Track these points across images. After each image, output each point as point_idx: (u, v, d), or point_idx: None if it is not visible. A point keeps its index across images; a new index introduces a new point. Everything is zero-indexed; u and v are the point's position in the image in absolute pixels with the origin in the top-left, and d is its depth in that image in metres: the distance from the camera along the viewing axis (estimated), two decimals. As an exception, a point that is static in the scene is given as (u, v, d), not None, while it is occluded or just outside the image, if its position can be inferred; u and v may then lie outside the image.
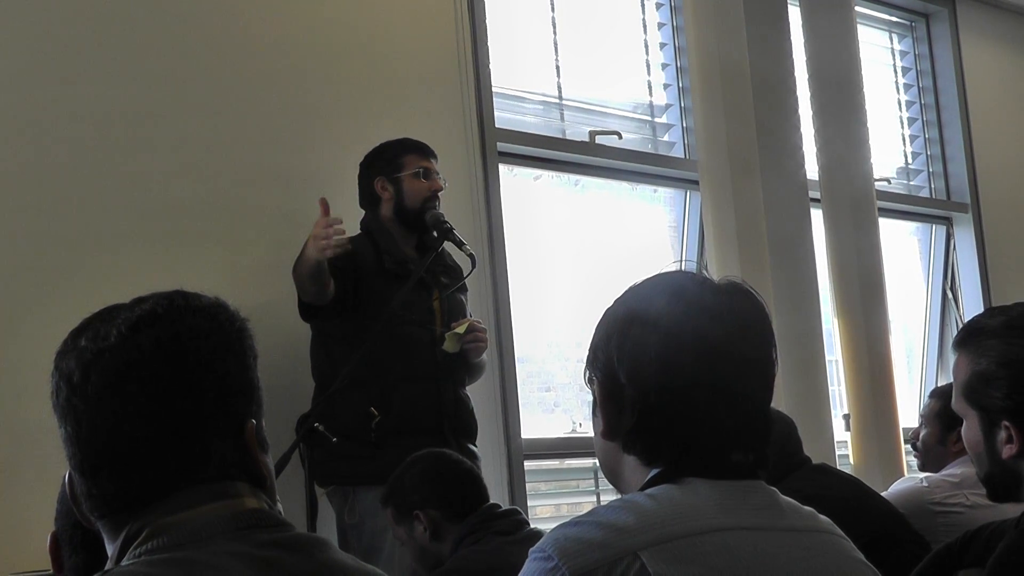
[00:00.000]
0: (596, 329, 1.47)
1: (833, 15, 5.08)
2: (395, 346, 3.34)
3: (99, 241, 3.33)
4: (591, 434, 1.51)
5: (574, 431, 4.49)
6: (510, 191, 4.35)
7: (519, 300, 4.23)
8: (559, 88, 4.66)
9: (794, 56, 4.95)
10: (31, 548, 2.12)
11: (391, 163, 3.50)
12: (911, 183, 5.97)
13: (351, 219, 3.48)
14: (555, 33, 4.67)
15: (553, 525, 1.37)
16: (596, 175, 4.77)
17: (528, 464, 4.15)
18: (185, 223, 3.48)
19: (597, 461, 1.53)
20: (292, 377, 3.39)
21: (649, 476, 1.40)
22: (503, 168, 4.32)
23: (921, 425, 3.64)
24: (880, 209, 5.16)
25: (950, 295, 5.96)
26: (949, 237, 6.01)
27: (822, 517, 1.47)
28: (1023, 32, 6.44)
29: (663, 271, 1.49)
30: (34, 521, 2.13)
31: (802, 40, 5.08)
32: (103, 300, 1.31)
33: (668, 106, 4.98)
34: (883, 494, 3.44)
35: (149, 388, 1.20)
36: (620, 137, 4.71)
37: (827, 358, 4.81)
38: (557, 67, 4.66)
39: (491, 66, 4.29)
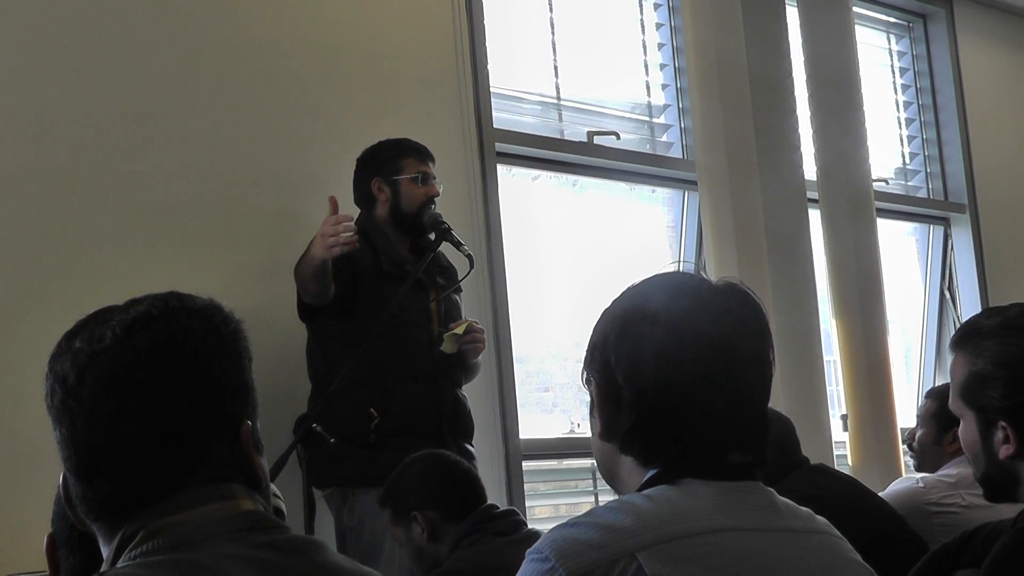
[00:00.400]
0: (594, 329, 1.47)
1: (831, 15, 5.08)
2: (393, 347, 3.33)
3: (97, 241, 3.33)
4: (589, 434, 1.51)
5: (572, 431, 4.49)
6: (508, 191, 4.35)
7: (517, 300, 4.23)
8: (557, 88, 4.66)
9: (792, 56, 4.96)
10: (29, 549, 2.12)
11: (389, 164, 3.49)
12: (909, 183, 5.97)
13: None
14: (553, 33, 4.67)
15: (551, 526, 1.37)
16: (594, 175, 4.77)
17: (526, 464, 4.15)
18: (183, 223, 3.48)
19: (595, 461, 1.53)
20: (289, 378, 3.39)
21: (646, 477, 1.40)
22: (501, 168, 4.32)
23: (917, 425, 3.64)
24: (878, 209, 5.17)
25: (947, 295, 5.96)
26: (946, 237, 6.02)
27: (819, 518, 1.47)
28: (1020, 33, 6.44)
29: (661, 272, 1.49)
30: (32, 522, 2.13)
31: (800, 40, 5.08)
32: (101, 301, 1.31)
33: (666, 106, 4.99)
34: (880, 494, 3.44)
35: (144, 390, 1.19)
36: (618, 137, 4.71)
37: (825, 358, 4.82)
38: (555, 67, 4.66)
39: (489, 66, 4.29)
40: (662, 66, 5.00)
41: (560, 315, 4.61)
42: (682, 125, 4.95)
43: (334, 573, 1.21)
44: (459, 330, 3.36)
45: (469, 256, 3.42)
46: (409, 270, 3.40)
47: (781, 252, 4.71)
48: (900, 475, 4.59)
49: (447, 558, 2.87)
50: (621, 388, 1.41)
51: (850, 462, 4.82)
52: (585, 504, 4.46)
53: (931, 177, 6.03)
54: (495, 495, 3.65)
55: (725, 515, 1.35)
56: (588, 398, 1.48)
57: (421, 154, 3.53)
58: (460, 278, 3.52)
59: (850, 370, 4.88)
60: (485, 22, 4.30)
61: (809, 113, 5.03)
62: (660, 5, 5.03)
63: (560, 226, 4.68)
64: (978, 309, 5.45)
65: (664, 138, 4.97)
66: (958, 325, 4.18)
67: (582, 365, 1.48)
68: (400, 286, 3.34)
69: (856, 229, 4.97)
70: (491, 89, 4.29)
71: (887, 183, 5.71)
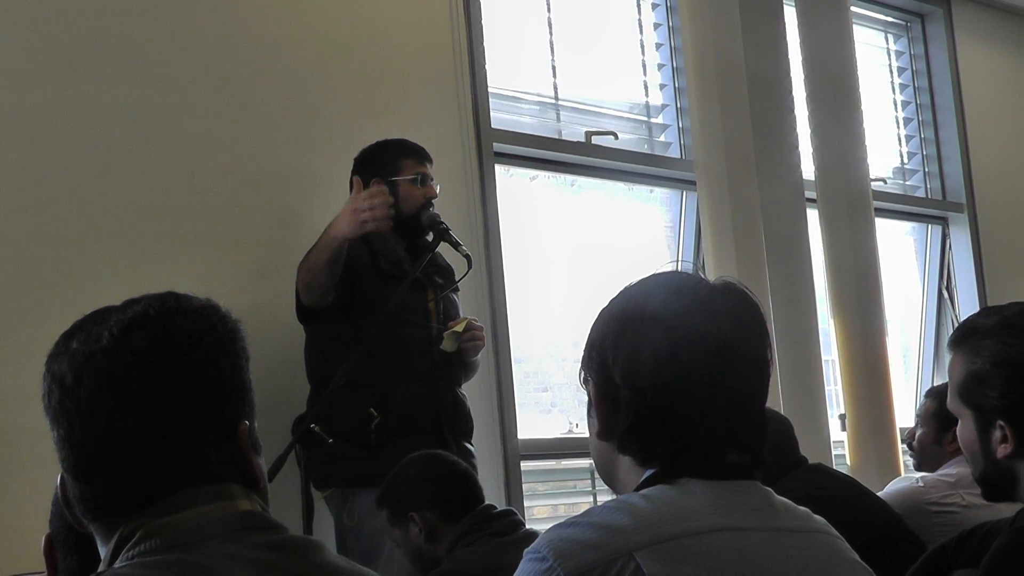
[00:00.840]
0: (591, 329, 1.47)
1: (829, 15, 5.08)
2: (393, 347, 3.33)
3: (95, 241, 3.33)
4: (587, 435, 1.51)
5: (570, 431, 4.49)
6: (506, 191, 4.35)
7: (515, 301, 4.23)
8: (555, 88, 4.66)
9: (790, 56, 4.96)
10: (27, 550, 2.12)
11: (388, 165, 3.49)
12: (907, 183, 5.97)
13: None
14: (551, 33, 4.67)
15: (549, 526, 1.37)
16: (592, 175, 4.76)
17: (525, 464, 4.15)
18: (181, 223, 3.48)
19: (593, 461, 1.53)
20: (287, 379, 3.39)
21: (644, 476, 1.40)
22: (499, 168, 4.32)
23: (917, 425, 3.65)
24: (876, 209, 5.17)
25: (946, 295, 5.96)
26: (945, 237, 6.02)
27: (817, 517, 1.47)
28: (1018, 32, 6.45)
29: (659, 271, 1.49)
30: (30, 523, 2.13)
31: (798, 40, 5.08)
32: (99, 300, 1.31)
33: (664, 106, 4.98)
34: (879, 494, 3.44)
35: (141, 390, 1.19)
36: (616, 137, 4.71)
37: (823, 358, 4.82)
38: (553, 67, 4.65)
39: (487, 66, 4.28)
40: (660, 66, 5.00)
41: (558, 315, 4.61)
42: (680, 125, 4.95)
43: (332, 573, 1.21)
44: (459, 328, 3.36)
45: (467, 256, 3.42)
46: (407, 270, 3.40)
47: (780, 252, 4.71)
48: (899, 475, 4.59)
49: (445, 558, 2.87)
50: (619, 388, 1.41)
51: (848, 462, 4.82)
52: (583, 504, 4.46)
53: (929, 177, 6.03)
54: (493, 495, 3.65)
55: (723, 515, 1.35)
56: (586, 398, 1.48)
57: (419, 155, 3.52)
58: (458, 278, 3.51)
59: (848, 370, 4.89)
60: (483, 22, 4.30)
61: (807, 113, 5.04)
62: (658, 5, 5.03)
63: (558, 226, 4.68)
64: (976, 308, 5.44)
65: (662, 138, 4.97)
66: (956, 325, 4.18)
67: (580, 365, 1.48)
68: (398, 286, 3.34)
69: (854, 229, 4.97)
70: (489, 89, 4.29)
71: (885, 183, 5.71)
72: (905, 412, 5.09)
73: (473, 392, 3.65)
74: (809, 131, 5.03)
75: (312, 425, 3.22)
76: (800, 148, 4.89)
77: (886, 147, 5.91)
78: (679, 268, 1.63)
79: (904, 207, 5.85)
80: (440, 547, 2.90)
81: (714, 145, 4.71)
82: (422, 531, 2.92)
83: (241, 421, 1.24)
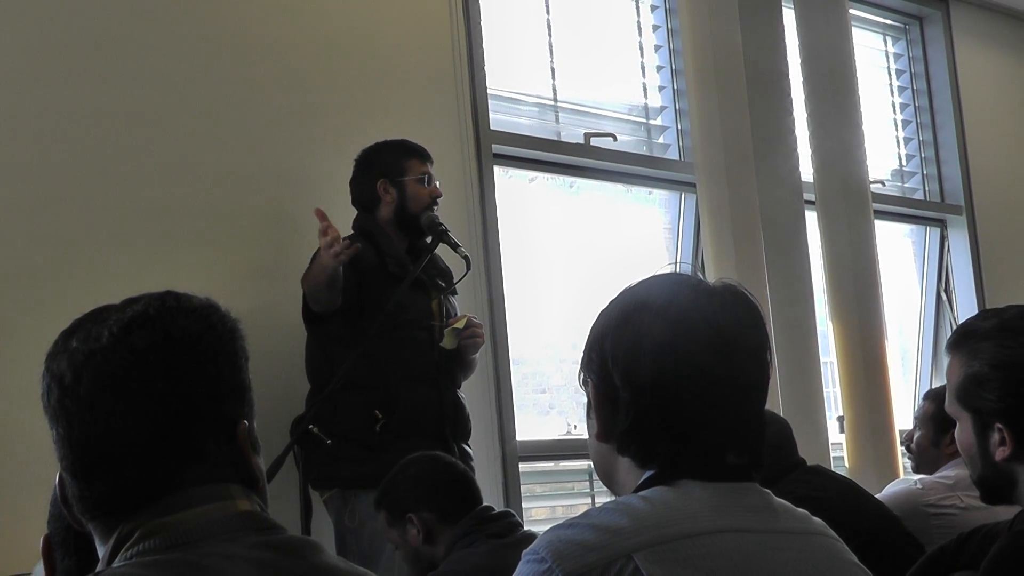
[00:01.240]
0: (591, 331, 1.47)
1: (828, 17, 5.09)
2: (397, 348, 3.34)
3: (94, 241, 3.33)
4: (586, 436, 1.51)
5: (569, 433, 4.49)
6: (505, 193, 4.35)
7: (514, 302, 4.23)
8: (554, 90, 4.66)
9: (789, 57, 4.96)
10: (27, 550, 2.12)
11: (394, 166, 3.50)
12: (905, 185, 5.97)
13: (349, 219, 3.49)
14: (550, 35, 4.67)
15: (548, 527, 1.37)
16: (591, 177, 4.77)
17: (523, 466, 4.15)
18: (180, 223, 3.48)
19: (591, 463, 1.53)
20: (286, 379, 3.39)
21: (643, 478, 1.40)
22: (498, 170, 4.32)
23: (915, 427, 3.64)
24: (875, 211, 5.17)
25: (944, 297, 5.96)
26: (943, 239, 6.02)
27: (816, 519, 1.47)
28: (1016, 35, 6.45)
29: (658, 273, 1.49)
30: (30, 523, 2.13)
31: (797, 42, 5.08)
32: (98, 300, 1.30)
33: (663, 108, 4.99)
34: (877, 496, 3.44)
35: (141, 389, 1.19)
36: (615, 139, 4.71)
37: (822, 360, 4.82)
38: (552, 69, 4.65)
39: (486, 68, 4.29)
40: (659, 68, 5.00)
41: (557, 317, 4.61)
42: (679, 127, 4.95)
43: (330, 574, 1.21)
44: (459, 324, 3.38)
45: (466, 258, 3.42)
46: (412, 270, 3.41)
47: (779, 253, 4.71)
48: (897, 476, 4.59)
49: (443, 560, 2.87)
50: (618, 389, 1.41)
51: (847, 464, 4.82)
52: (582, 506, 4.45)
53: (927, 179, 6.03)
54: (491, 497, 3.65)
55: (722, 516, 1.35)
56: (585, 399, 1.48)
57: (422, 156, 3.55)
58: (457, 280, 3.52)
59: (847, 371, 4.89)
60: (482, 24, 4.31)
61: (806, 114, 5.04)
62: (657, 7, 5.03)
63: (557, 228, 4.68)
64: (974, 311, 5.45)
65: (661, 140, 4.98)
66: (954, 327, 4.18)
67: (579, 366, 1.48)
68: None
69: (853, 230, 4.97)
70: (488, 91, 4.29)
71: (884, 185, 5.72)
72: (904, 414, 5.09)
73: (472, 393, 3.65)
74: (808, 132, 5.03)
75: (311, 426, 3.22)
76: (799, 149, 4.90)
77: (885, 149, 5.91)
78: (678, 270, 1.63)
79: (902, 209, 5.85)
80: (438, 548, 2.90)
81: (713, 146, 4.71)
82: (420, 532, 2.91)
83: (240, 421, 1.24)
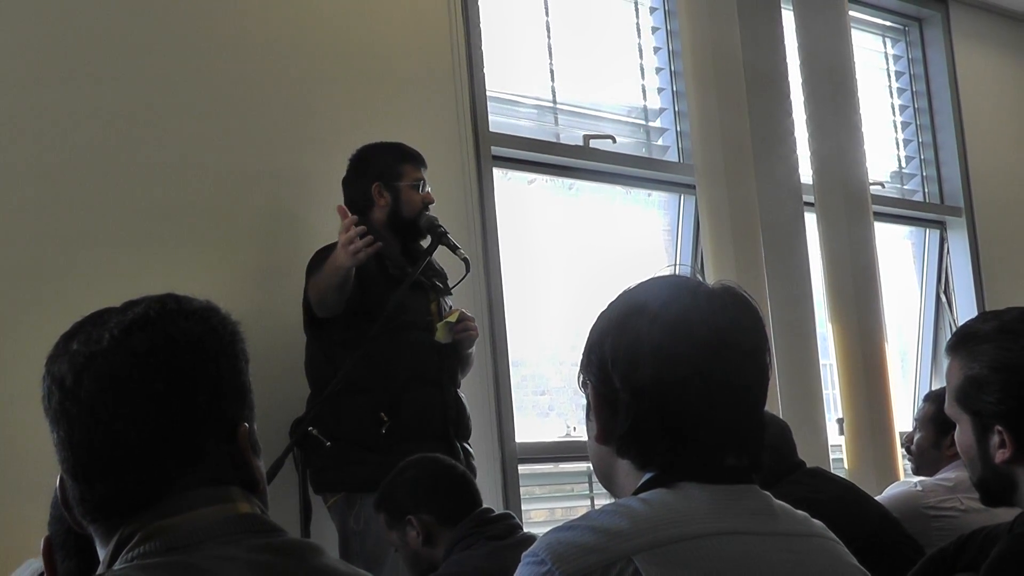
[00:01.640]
0: (590, 332, 1.47)
1: (827, 19, 5.09)
2: (401, 350, 3.34)
3: (94, 242, 3.33)
4: (585, 438, 1.51)
5: (568, 435, 4.49)
6: (504, 195, 4.35)
7: (513, 304, 4.23)
8: (553, 92, 4.66)
9: (788, 59, 4.96)
10: (27, 551, 2.12)
11: (391, 170, 3.50)
12: (904, 187, 5.98)
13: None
14: (549, 37, 4.67)
15: (547, 529, 1.37)
16: (590, 179, 4.77)
17: (522, 468, 4.15)
18: (180, 224, 3.48)
19: (591, 465, 1.52)
20: (287, 381, 3.39)
21: (643, 480, 1.40)
22: (497, 172, 4.32)
23: (915, 429, 3.64)
24: (874, 213, 5.17)
25: (944, 299, 5.97)
26: (942, 241, 6.02)
27: (815, 521, 1.47)
28: (1016, 36, 6.45)
29: (657, 275, 1.49)
30: (29, 524, 2.13)
31: (796, 43, 5.09)
32: (98, 302, 1.30)
33: (662, 110, 4.99)
34: (877, 498, 3.44)
35: (142, 391, 1.19)
36: (614, 141, 4.71)
37: (822, 361, 4.82)
38: (551, 71, 4.66)
39: (485, 70, 4.29)
40: (658, 70, 5.00)
41: (556, 319, 4.61)
42: (678, 129, 4.96)
43: (330, 576, 1.21)
44: (452, 318, 3.38)
45: (465, 260, 3.42)
46: (410, 273, 3.41)
47: (778, 254, 4.71)
48: (897, 479, 4.59)
49: (442, 562, 2.87)
50: (618, 391, 1.41)
51: (847, 466, 4.82)
52: (581, 508, 4.45)
53: (927, 180, 6.03)
54: (491, 499, 3.65)
55: (721, 519, 1.35)
56: (584, 401, 1.48)
57: (417, 161, 3.55)
58: (456, 282, 3.52)
59: (847, 373, 4.89)
60: (481, 25, 4.31)
61: (805, 116, 5.04)
62: (656, 9, 5.04)
63: (556, 230, 4.68)
64: (974, 313, 5.45)
65: (660, 142, 4.98)
66: (954, 329, 4.18)
67: (578, 368, 1.48)
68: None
69: (852, 232, 4.97)
70: (487, 93, 4.30)
71: (883, 186, 5.72)
72: (903, 416, 5.09)
73: (471, 395, 3.65)
74: (807, 134, 5.03)
75: (310, 428, 3.22)
76: (798, 151, 4.90)
77: (884, 151, 5.92)
78: (677, 272, 1.63)
79: (902, 211, 5.86)
80: (438, 550, 2.89)
81: (712, 148, 4.71)
82: (419, 534, 2.91)
83: (241, 423, 1.24)
